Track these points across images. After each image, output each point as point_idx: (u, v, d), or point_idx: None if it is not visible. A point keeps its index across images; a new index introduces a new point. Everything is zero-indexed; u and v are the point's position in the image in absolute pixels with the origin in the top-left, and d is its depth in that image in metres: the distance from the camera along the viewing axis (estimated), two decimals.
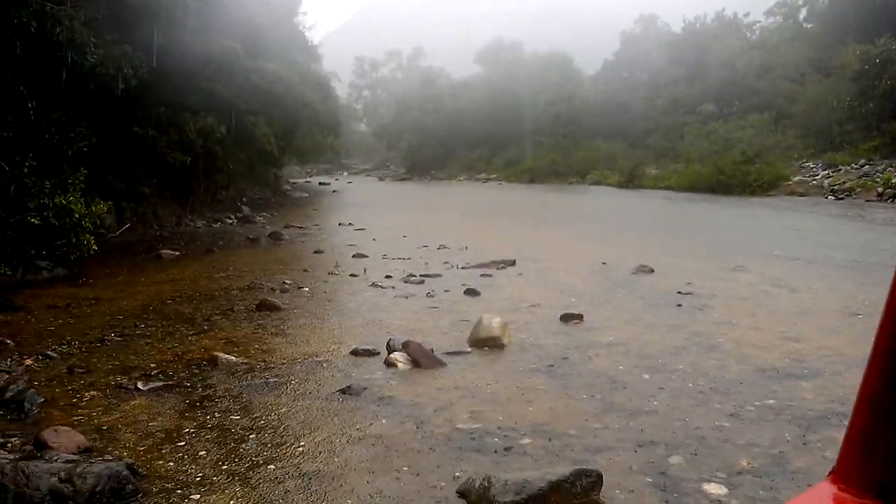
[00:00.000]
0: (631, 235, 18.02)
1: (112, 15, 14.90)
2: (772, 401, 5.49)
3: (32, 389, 5.51)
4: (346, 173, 75.65)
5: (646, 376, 6.15)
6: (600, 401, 5.52)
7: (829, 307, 9.05)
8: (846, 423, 0.93)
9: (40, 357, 6.64)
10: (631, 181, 40.54)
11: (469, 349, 7.05)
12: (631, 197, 34.22)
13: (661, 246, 15.31)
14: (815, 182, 32.47)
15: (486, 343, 7.13)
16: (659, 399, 5.55)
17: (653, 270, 11.72)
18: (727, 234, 18.64)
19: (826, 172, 34.11)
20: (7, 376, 5.89)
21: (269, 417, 5.19)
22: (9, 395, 5.37)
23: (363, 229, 19.14)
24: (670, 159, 45.59)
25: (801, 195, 29.95)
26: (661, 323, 8.20)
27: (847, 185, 29.74)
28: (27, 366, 6.37)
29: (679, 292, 9.89)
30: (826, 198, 28.70)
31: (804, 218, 21.85)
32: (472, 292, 10.06)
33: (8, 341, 7.13)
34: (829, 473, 0.94)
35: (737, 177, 33.49)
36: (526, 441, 4.72)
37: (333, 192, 44.31)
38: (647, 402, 5.49)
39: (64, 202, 11.67)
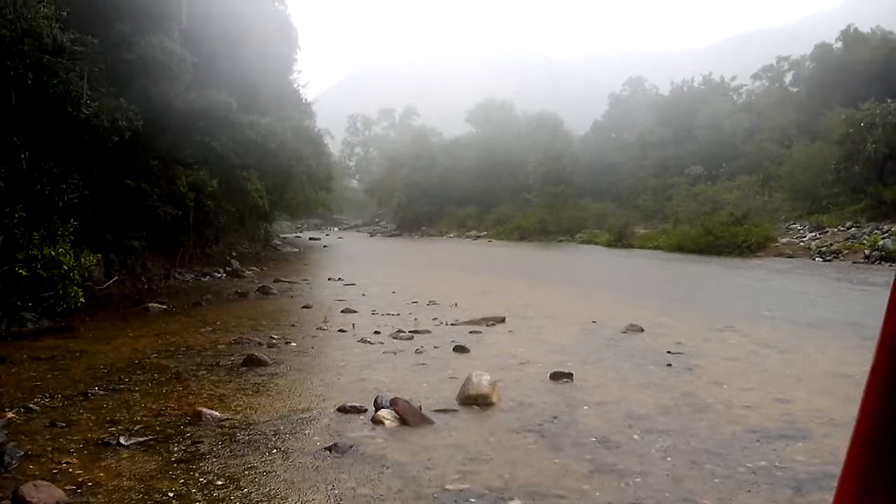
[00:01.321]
0: (620, 295, 18.05)
1: (108, 68, 15.08)
2: (763, 462, 5.44)
3: (13, 442, 5.40)
4: (336, 228, 75.88)
5: (636, 437, 6.09)
6: (590, 461, 5.45)
7: (819, 368, 9.03)
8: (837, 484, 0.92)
9: (22, 410, 6.52)
10: (620, 241, 40.77)
11: (458, 407, 6.97)
12: (620, 256, 34.38)
13: (651, 306, 15.33)
14: (802, 244, 32.75)
15: (475, 401, 7.06)
16: (650, 460, 5.49)
17: (642, 329, 11.71)
18: (716, 294, 18.70)
19: (813, 234, 34.47)
20: None
21: (253, 475, 5.09)
22: None
23: (353, 284, 19.10)
24: (658, 220, 46.01)
25: (789, 256, 30.16)
26: (651, 383, 8.15)
27: (834, 247, 29.99)
28: (8, 419, 6.25)
29: (669, 352, 9.86)
30: (814, 259, 28.90)
31: (792, 279, 21.96)
32: (461, 349, 10.00)
33: None
34: None
35: (725, 238, 33.73)
36: (516, 502, 4.64)
37: (324, 247, 44.36)
38: (638, 463, 5.42)
39: (53, 254, 11.62)
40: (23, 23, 11.63)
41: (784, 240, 34.00)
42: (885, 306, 0.87)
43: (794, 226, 38.00)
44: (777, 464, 5.41)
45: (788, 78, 63.85)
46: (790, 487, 4.92)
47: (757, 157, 49.76)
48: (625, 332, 11.59)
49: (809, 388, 7.89)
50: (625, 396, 7.46)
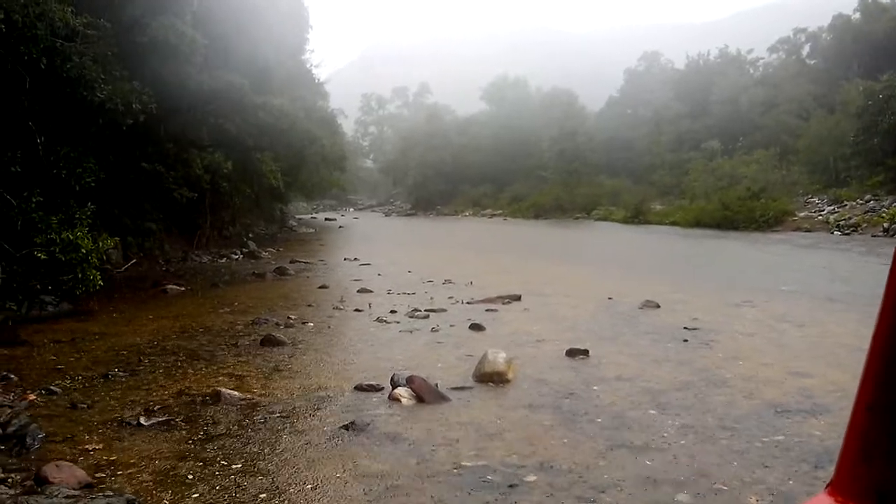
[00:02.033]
0: (636, 271, 17.99)
1: (121, 52, 15.09)
2: (780, 437, 5.43)
3: (35, 424, 5.48)
4: (351, 209, 76.02)
5: (652, 412, 6.09)
6: (606, 437, 5.46)
7: (836, 342, 8.97)
8: None
9: (43, 392, 6.61)
10: (636, 217, 40.61)
11: (474, 384, 7.00)
12: (636, 233, 34.24)
13: (667, 281, 15.27)
14: (820, 217, 32.49)
15: (491, 378, 7.08)
16: (666, 436, 5.49)
17: (659, 306, 11.68)
18: (733, 269, 18.59)
19: (831, 208, 34.16)
20: (10, 411, 5.87)
21: (272, 453, 5.15)
22: (11, 429, 5.35)
23: (368, 264, 19.14)
24: (675, 195, 45.71)
25: (807, 230, 29.93)
26: (668, 358, 8.14)
27: (853, 221, 29.73)
28: (30, 401, 6.34)
29: (685, 328, 9.83)
30: (832, 233, 28.67)
31: (810, 253, 21.80)
32: (476, 327, 10.02)
33: (12, 376, 7.12)
34: (827, 486, 0.92)
35: (742, 212, 33.52)
36: (531, 478, 4.66)
37: (339, 227, 44.45)
38: (654, 438, 5.43)
39: (71, 237, 11.72)
40: (35, 7, 11.65)
41: (802, 214, 33.74)
42: None
43: (812, 199, 37.69)
44: (795, 439, 5.39)
45: (806, 50, 63.03)
46: (807, 462, 4.91)
47: (774, 130, 49.23)
48: (641, 309, 11.56)
49: (827, 362, 7.84)
50: (641, 372, 7.46)
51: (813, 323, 10.32)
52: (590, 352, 8.28)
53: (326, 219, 53.02)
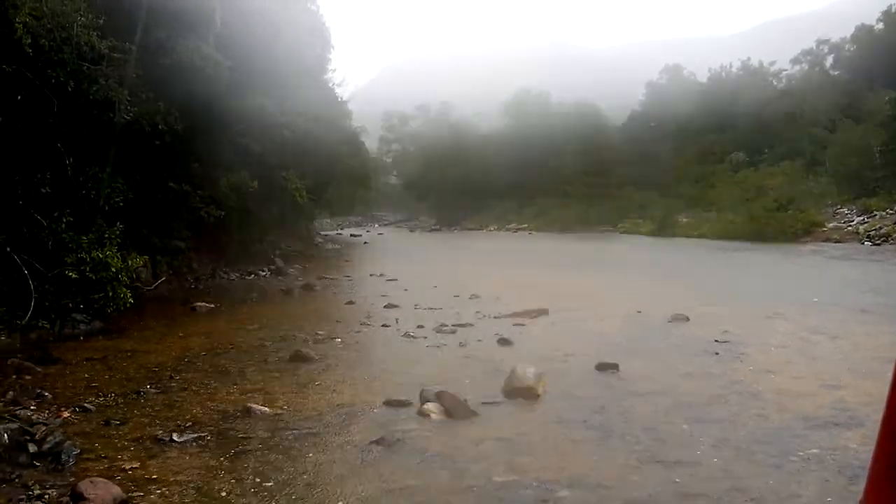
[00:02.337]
0: (665, 284, 17.84)
1: (146, 74, 15.32)
2: (815, 450, 5.35)
3: (69, 441, 5.54)
4: (376, 225, 76.29)
5: (685, 426, 6.03)
6: (639, 452, 5.41)
7: (870, 354, 8.83)
8: None
9: (77, 409, 6.69)
10: (663, 230, 40.39)
11: (503, 399, 6.98)
12: (663, 245, 34.01)
13: (697, 294, 15.14)
14: (850, 228, 32.08)
15: (520, 393, 7.05)
16: (699, 450, 5.43)
17: (688, 319, 11.58)
18: (762, 281, 18.38)
19: (861, 218, 33.72)
20: (45, 428, 5.93)
21: (303, 469, 5.16)
22: (46, 446, 5.41)
23: (395, 280, 19.18)
24: (702, 208, 45.39)
25: (837, 241, 29.56)
26: (699, 372, 8.06)
27: (883, 231, 29.33)
28: (64, 418, 6.42)
29: (716, 340, 9.74)
30: (862, 244, 28.29)
31: (841, 264, 21.52)
32: (504, 342, 10.00)
33: (46, 393, 7.21)
34: (859, 502, 0.92)
35: (770, 224, 33.20)
36: (564, 493, 4.63)
37: (364, 243, 44.61)
38: (687, 453, 5.37)
39: (101, 256, 11.87)
40: (62, 32, 11.88)
41: (831, 224, 33.35)
42: None
43: (840, 210, 37.24)
44: (829, 452, 5.31)
45: (829, 61, 62.62)
46: (843, 475, 4.83)
47: (800, 141, 48.88)
48: (671, 322, 11.47)
49: (861, 374, 7.72)
50: (672, 386, 7.39)
51: (845, 335, 10.18)
52: (620, 366, 8.22)
53: (352, 235, 53.25)
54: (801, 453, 5.30)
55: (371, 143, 69.69)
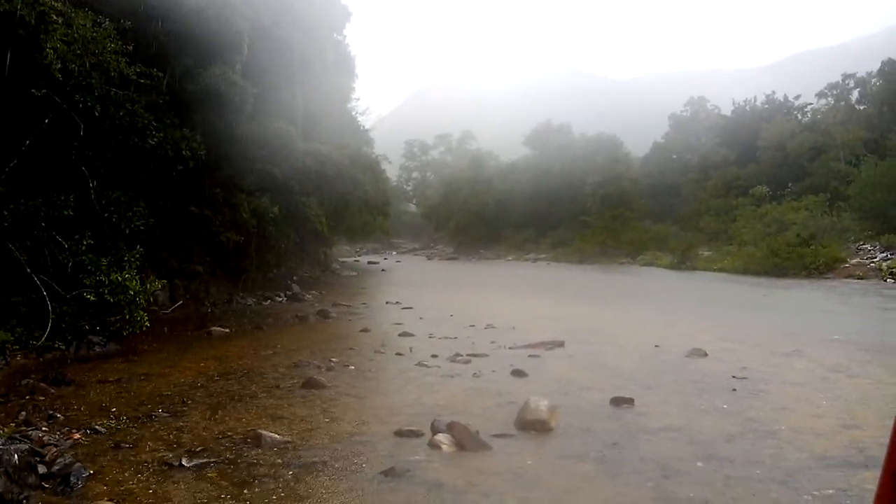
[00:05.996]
0: (683, 318, 17.66)
1: (172, 100, 15.56)
2: (830, 490, 5.24)
3: (79, 463, 5.54)
4: (394, 252, 76.37)
5: (699, 464, 5.92)
6: (652, 489, 5.32)
7: (889, 393, 8.67)
8: None
9: (88, 431, 6.69)
10: (683, 263, 40.10)
11: (515, 432, 6.90)
12: (683, 279, 33.74)
13: (715, 329, 14.97)
14: (872, 265, 31.65)
15: (533, 426, 6.97)
16: (713, 488, 5.32)
17: (706, 354, 11.44)
18: (782, 317, 18.15)
19: (884, 255, 33.29)
20: (55, 450, 5.94)
21: (312, 498, 5.11)
22: (56, 468, 5.42)
23: (410, 308, 19.15)
24: (722, 241, 45.07)
25: (859, 278, 29.17)
26: (715, 408, 7.94)
27: None
28: (75, 440, 6.42)
29: (734, 377, 9.60)
30: (885, 280, 27.89)
31: (862, 301, 21.22)
32: (519, 373, 9.91)
33: (58, 415, 7.23)
34: None
35: (792, 259, 32.86)
36: None
37: (382, 270, 44.67)
38: (702, 491, 5.26)
39: (119, 279, 11.97)
40: (91, 58, 12.11)
41: (854, 261, 32.93)
42: None
43: (864, 246, 36.76)
44: (845, 492, 5.20)
45: (855, 95, 62.35)
46: None
47: (824, 176, 48.55)
48: (688, 357, 11.34)
49: (879, 414, 7.57)
50: (688, 422, 7.27)
51: (865, 374, 10.00)
52: (635, 400, 8.11)
53: (369, 262, 53.35)
54: (816, 492, 5.19)
55: (392, 171, 70.11)
